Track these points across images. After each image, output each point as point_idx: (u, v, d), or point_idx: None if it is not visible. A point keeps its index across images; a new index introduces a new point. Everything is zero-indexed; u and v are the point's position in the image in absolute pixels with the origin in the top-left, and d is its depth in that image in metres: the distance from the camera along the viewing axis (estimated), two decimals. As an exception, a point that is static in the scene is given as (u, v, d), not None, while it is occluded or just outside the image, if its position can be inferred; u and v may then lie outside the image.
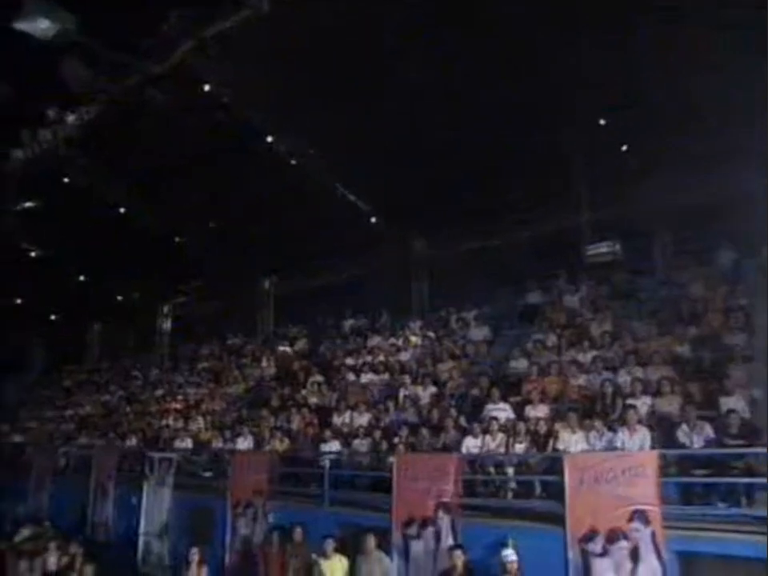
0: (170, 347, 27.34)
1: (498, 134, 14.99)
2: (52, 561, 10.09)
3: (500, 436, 10.30)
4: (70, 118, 15.56)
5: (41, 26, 12.88)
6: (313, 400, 15.15)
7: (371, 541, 9.08)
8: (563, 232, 16.75)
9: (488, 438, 10.37)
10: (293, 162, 16.88)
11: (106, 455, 15.79)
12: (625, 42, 12.38)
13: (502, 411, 11.08)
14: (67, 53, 13.86)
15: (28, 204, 21.63)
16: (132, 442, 17.16)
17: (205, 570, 9.62)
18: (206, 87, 15.10)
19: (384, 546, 9.24)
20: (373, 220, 19.17)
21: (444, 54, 13.98)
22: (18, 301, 29.89)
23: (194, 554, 9.69)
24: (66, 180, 19.24)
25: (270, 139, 16.43)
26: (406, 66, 14.24)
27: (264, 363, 19.47)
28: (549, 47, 13.08)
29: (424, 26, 13.49)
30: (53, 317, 31.49)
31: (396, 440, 11.42)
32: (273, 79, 15.06)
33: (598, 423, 9.53)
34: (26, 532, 12.25)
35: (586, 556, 7.76)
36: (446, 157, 16.10)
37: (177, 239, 21.85)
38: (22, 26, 12.97)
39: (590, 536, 7.78)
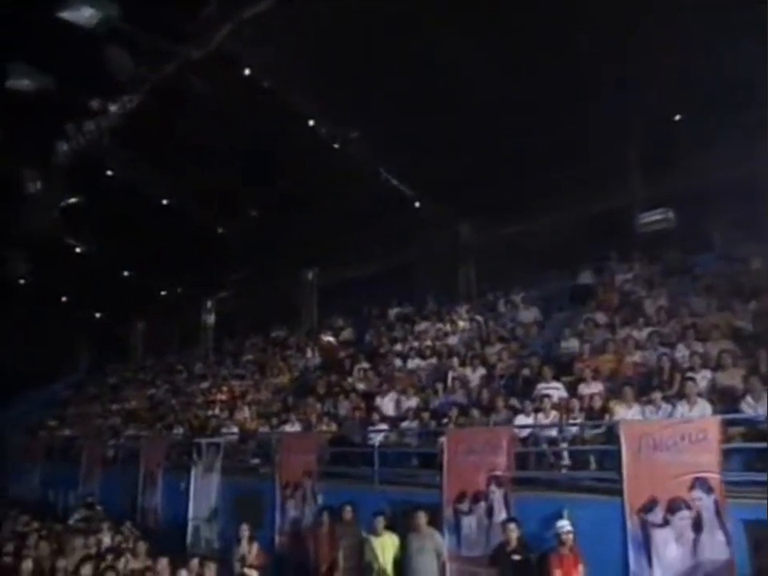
0: (214, 342, 27.92)
1: (543, 111, 15.00)
2: (106, 540, 10.48)
3: (553, 413, 10.27)
4: (113, 108, 16.04)
5: (84, 15, 13.36)
6: (360, 386, 15.32)
7: (422, 517, 9.19)
8: (614, 211, 16.65)
9: (540, 415, 10.35)
10: (335, 145, 17.07)
11: (153, 445, 16.26)
12: (676, 9, 12.26)
13: (555, 390, 11.05)
14: (109, 41, 14.31)
15: (72, 200, 22.38)
16: (179, 432, 17.58)
17: (255, 547, 9.88)
18: (246, 71, 15.41)
19: (435, 522, 9.35)
20: (417, 205, 19.26)
21: (487, 31, 14.03)
22: (64, 299, 30.89)
23: (245, 531, 9.99)
24: (109, 173, 19.85)
25: (311, 123, 16.66)
26: (449, 46, 14.33)
27: (309, 354, 19.77)
28: (596, 16, 13.04)
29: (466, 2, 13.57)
30: (97, 315, 32.40)
31: (445, 420, 11.52)
32: (313, 61, 15.30)
33: (655, 396, 9.46)
34: (79, 514, 12.75)
35: (645, 527, 7.73)
36: (491, 137, 16.15)
37: (219, 230, 22.27)
38: (65, 15, 13.47)
39: (650, 506, 7.75)
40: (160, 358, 28.65)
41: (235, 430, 15.69)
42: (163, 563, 8.37)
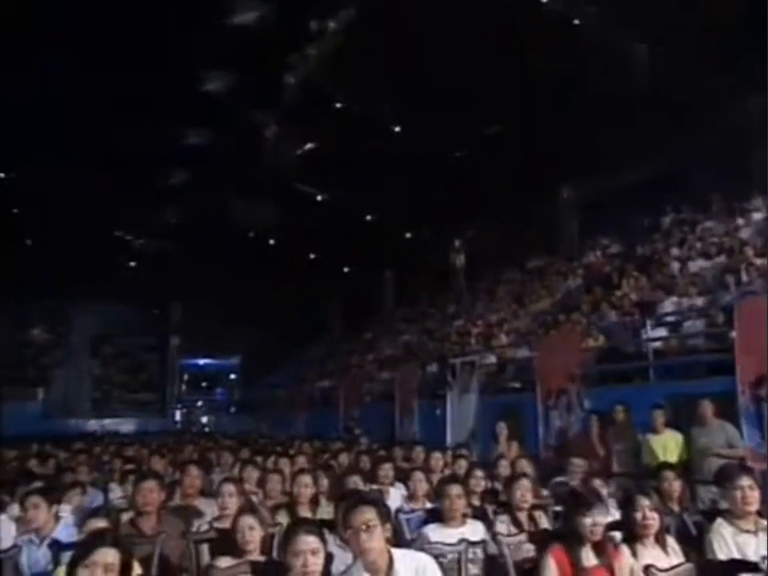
0: (466, 282, 28.47)
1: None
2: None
3: None
4: (332, 25, 16.82)
5: None
6: (631, 296, 14.69)
7: (707, 407, 8.57)
8: None
9: None
10: (575, 21, 16.24)
11: (408, 378, 17.15)
12: None
13: None
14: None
15: (309, 144, 24.04)
16: (433, 369, 18.25)
17: (515, 445, 9.99)
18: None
19: (728, 414, 8.65)
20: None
21: None
22: (312, 256, 33.42)
23: (503, 428, 10.17)
24: (337, 105, 20.89)
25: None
26: None
27: (570, 277, 19.43)
28: None
29: None
30: (345, 270, 34.61)
31: (737, 312, 10.57)
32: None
33: None
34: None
35: None
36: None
37: (456, 154, 22.35)
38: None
39: None
40: (412, 307, 29.97)
41: (492, 359, 15.92)
42: (418, 450, 8.92)
